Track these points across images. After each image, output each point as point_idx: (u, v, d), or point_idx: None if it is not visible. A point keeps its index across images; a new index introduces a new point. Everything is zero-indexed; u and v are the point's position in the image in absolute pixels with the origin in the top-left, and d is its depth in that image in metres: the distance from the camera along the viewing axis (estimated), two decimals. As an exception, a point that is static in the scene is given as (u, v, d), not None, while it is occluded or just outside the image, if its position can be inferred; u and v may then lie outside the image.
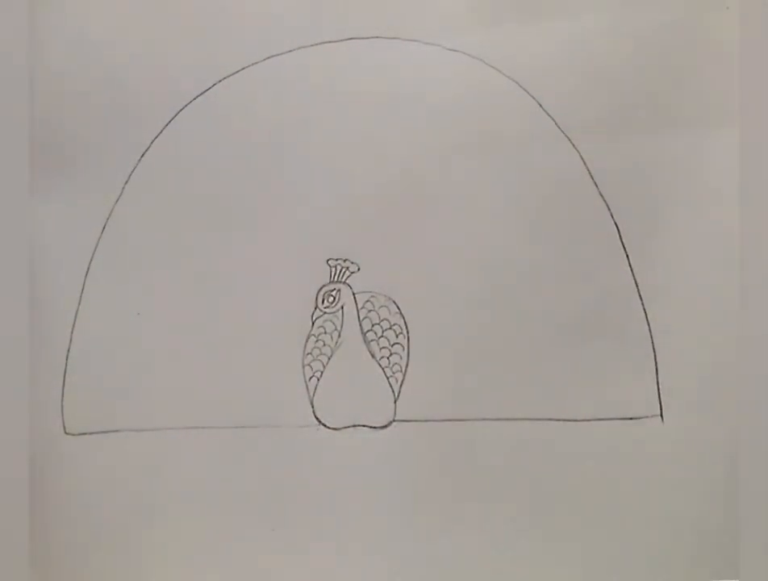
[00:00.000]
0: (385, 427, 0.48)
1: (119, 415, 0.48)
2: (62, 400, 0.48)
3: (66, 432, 0.48)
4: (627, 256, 0.49)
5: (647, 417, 0.48)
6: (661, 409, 0.48)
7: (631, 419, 0.48)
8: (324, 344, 0.49)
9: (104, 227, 0.49)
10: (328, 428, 0.48)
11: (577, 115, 0.49)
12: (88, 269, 0.49)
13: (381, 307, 0.49)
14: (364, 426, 0.48)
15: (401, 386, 0.49)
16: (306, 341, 0.49)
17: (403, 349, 0.49)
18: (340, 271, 0.49)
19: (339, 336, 0.49)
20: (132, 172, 0.49)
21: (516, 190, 0.49)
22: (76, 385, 0.48)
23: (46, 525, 0.47)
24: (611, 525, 0.48)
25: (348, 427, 0.48)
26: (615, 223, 0.49)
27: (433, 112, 0.49)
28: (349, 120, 0.49)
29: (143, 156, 0.49)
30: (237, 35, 0.49)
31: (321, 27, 0.49)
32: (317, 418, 0.48)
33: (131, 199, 0.49)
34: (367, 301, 0.49)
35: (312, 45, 0.49)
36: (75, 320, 0.48)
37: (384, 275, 0.49)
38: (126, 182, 0.49)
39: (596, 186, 0.49)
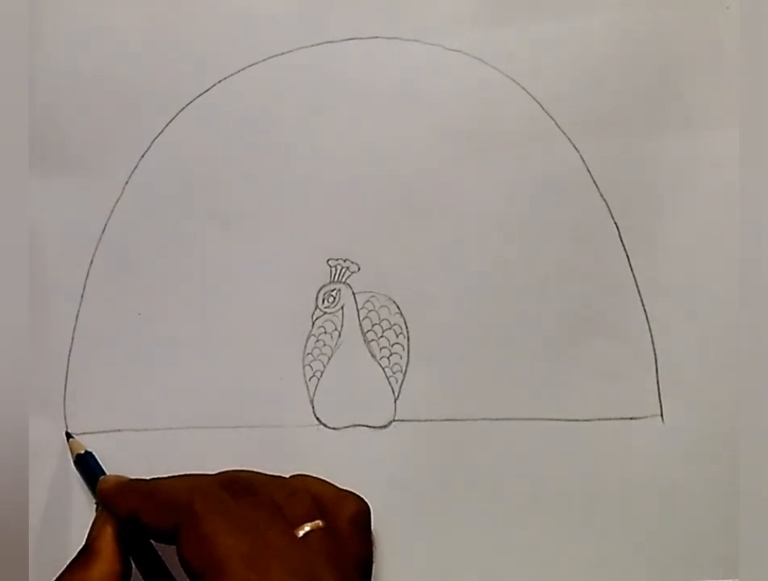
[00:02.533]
0: (385, 427, 0.48)
1: (121, 414, 0.48)
2: (64, 400, 0.48)
3: (67, 432, 0.48)
4: (627, 255, 0.49)
5: (647, 417, 0.48)
6: (661, 409, 0.48)
7: (631, 419, 0.48)
8: (324, 344, 0.49)
9: (104, 228, 0.49)
10: (328, 428, 0.48)
11: (577, 115, 0.49)
12: (89, 269, 0.49)
13: (382, 307, 0.49)
14: (364, 426, 0.48)
15: (401, 386, 0.49)
16: (306, 341, 0.49)
17: (403, 349, 0.49)
18: (340, 271, 0.49)
19: (339, 336, 0.49)
20: (132, 172, 0.49)
21: (516, 190, 0.49)
22: (77, 385, 0.48)
23: (46, 525, 0.47)
24: (610, 525, 0.48)
25: (348, 427, 0.48)
26: (615, 223, 0.49)
27: (433, 112, 0.49)
28: (349, 120, 0.49)
29: (143, 156, 0.49)
30: (237, 35, 0.49)
31: (321, 27, 0.49)
32: (317, 418, 0.48)
33: (131, 199, 0.49)
34: (367, 301, 0.49)
35: (312, 45, 0.49)
36: (76, 321, 0.48)
37: (384, 275, 0.49)
38: (126, 182, 0.49)
39: (596, 185, 0.49)
